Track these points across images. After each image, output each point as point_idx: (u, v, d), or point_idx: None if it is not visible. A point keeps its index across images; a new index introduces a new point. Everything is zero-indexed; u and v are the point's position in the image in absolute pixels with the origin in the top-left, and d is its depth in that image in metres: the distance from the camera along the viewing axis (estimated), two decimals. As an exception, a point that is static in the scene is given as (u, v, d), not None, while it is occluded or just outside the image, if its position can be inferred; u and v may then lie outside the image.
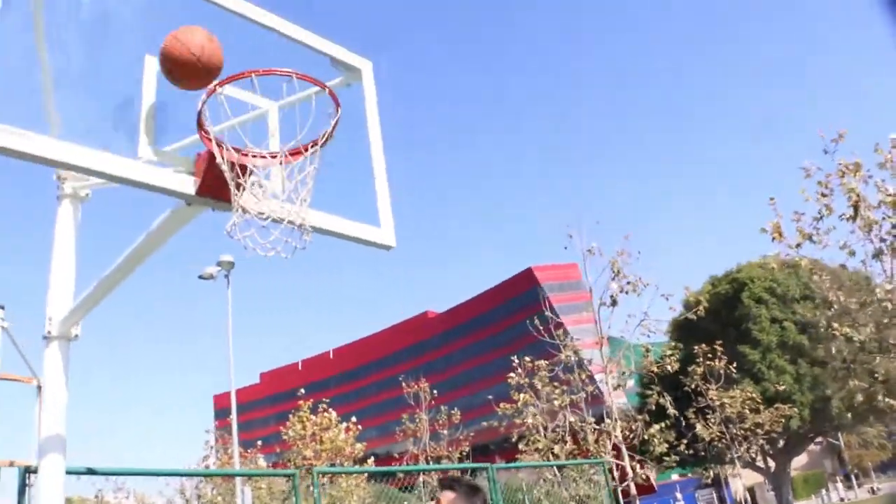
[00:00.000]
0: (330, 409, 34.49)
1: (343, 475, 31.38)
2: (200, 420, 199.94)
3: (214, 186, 3.53)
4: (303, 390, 36.41)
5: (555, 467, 25.64)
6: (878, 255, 16.36)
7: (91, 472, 6.52)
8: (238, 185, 3.43)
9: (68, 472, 5.88)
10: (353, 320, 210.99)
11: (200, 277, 27.66)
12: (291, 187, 3.53)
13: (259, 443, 43.29)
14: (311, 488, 8.18)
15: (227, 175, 3.40)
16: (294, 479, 8.20)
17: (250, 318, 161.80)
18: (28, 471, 6.01)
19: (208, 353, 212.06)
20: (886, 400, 17.60)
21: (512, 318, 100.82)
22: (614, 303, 20.83)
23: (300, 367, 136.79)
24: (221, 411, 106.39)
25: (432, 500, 4.29)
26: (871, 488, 63.99)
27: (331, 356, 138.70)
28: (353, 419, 34.74)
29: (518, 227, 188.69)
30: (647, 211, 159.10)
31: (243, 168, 3.46)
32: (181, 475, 24.78)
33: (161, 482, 47.93)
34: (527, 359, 25.40)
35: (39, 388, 8.01)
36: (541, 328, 23.27)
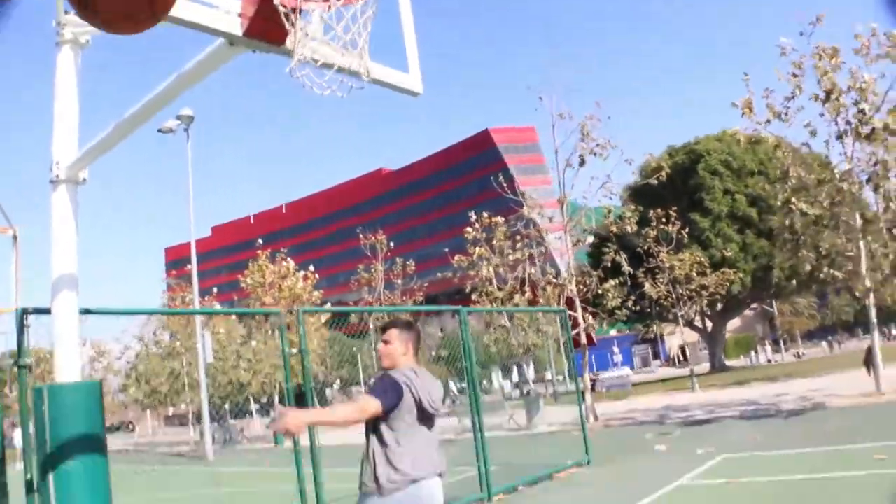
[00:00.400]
0: (288, 259, 34.84)
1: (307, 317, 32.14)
2: (150, 272, 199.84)
3: (264, 28, 3.55)
4: (260, 240, 36.67)
5: (505, 318, 26.62)
6: (841, 136, 16.97)
7: (87, 311, 6.64)
8: (293, 28, 3.44)
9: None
10: (305, 178, 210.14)
11: (160, 131, 26.95)
12: (356, 31, 3.56)
13: (215, 290, 43.66)
14: (298, 327, 8.47)
15: (284, 17, 3.40)
16: (280, 317, 8.53)
17: (201, 173, 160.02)
18: (25, 312, 6.13)
19: (159, 206, 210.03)
20: (830, 271, 18.51)
21: (468, 176, 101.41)
22: (583, 163, 21.11)
23: (252, 221, 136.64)
24: (172, 263, 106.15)
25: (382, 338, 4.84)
26: (797, 353, 67.62)
27: (283, 210, 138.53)
28: (311, 268, 35.17)
29: (476, 91, 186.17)
30: (614, 83, 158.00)
31: (295, 11, 3.46)
32: (178, 314, 24.90)
33: (117, 329, 48.15)
34: (485, 214, 25.85)
35: (15, 237, 7.99)
36: (504, 185, 23.58)
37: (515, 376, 44.39)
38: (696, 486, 9.31)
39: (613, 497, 9.25)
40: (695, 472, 10.13)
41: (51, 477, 4.52)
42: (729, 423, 16.44)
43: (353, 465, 4.21)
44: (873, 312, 17.68)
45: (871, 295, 17.16)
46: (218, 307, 41.73)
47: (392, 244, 40.06)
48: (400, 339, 4.50)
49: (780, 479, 8.83)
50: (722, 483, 9.06)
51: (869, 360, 18.13)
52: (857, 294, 17.78)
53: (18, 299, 7.26)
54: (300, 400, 8.31)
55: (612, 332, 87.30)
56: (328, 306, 35.13)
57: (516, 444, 18.04)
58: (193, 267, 26.93)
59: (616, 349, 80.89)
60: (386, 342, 4.50)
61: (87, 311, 6.76)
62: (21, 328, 6.16)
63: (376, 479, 3.95)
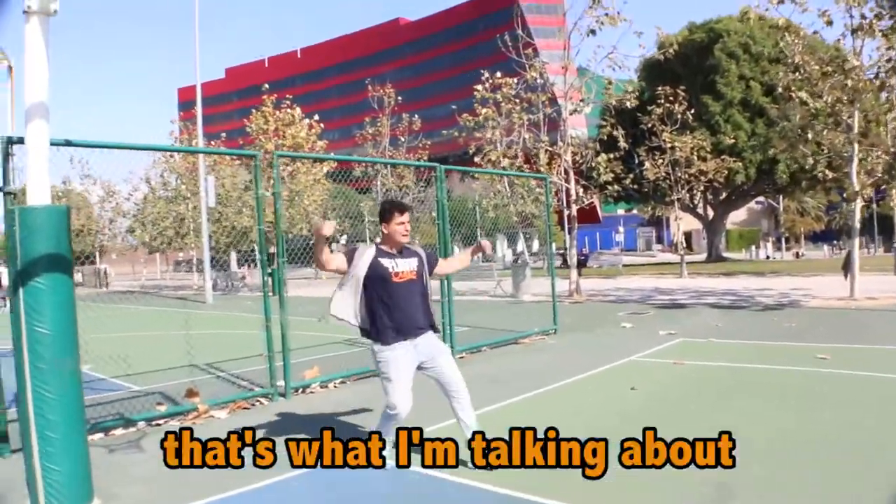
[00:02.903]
0: (294, 105, 34.53)
1: (303, 173, 32.23)
2: (163, 112, 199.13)
3: None
4: (266, 85, 36.23)
5: (506, 185, 26.65)
6: (856, 30, 16.28)
7: (69, 143, 6.71)
8: None
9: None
10: (322, 21, 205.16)
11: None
12: None
13: (223, 135, 43.28)
14: (271, 170, 8.72)
15: None
16: (255, 159, 8.72)
17: (217, 9, 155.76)
18: (10, 141, 6.26)
19: (173, 44, 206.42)
20: (825, 171, 18.29)
21: (486, 33, 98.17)
22: (592, 32, 20.55)
23: (266, 65, 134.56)
24: (185, 104, 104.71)
25: (384, 220, 5.39)
26: (797, 252, 67.61)
27: (298, 55, 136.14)
28: (316, 117, 34.89)
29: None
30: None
31: None
32: (159, 150, 24.67)
33: (125, 171, 47.72)
34: (498, 74, 25.32)
35: (10, 68, 8.01)
36: (510, 45, 23.08)
37: (520, 247, 44.75)
38: (644, 362, 9.81)
39: (565, 363, 9.76)
40: (649, 351, 10.63)
41: (21, 292, 4.86)
42: (701, 310, 16.93)
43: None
44: (857, 217, 17.60)
45: (858, 198, 17.08)
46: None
47: (400, 98, 39.50)
48: None
49: (724, 364, 9.30)
50: (668, 363, 9.53)
51: (847, 266, 18.24)
52: (846, 196, 17.61)
53: (13, 130, 7.35)
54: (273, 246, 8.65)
55: (620, 212, 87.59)
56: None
57: (496, 309, 18.74)
58: (198, 109, 26.75)
59: (621, 228, 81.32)
60: (408, 221, 5.41)
61: (68, 143, 6.89)
62: (6, 156, 6.33)
63: None
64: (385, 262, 5.30)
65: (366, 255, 5.31)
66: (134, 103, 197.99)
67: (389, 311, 5.22)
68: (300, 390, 8.70)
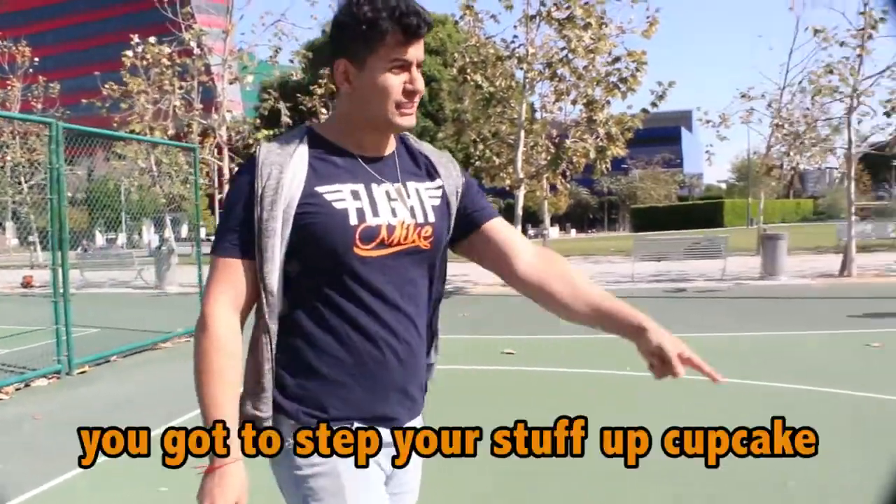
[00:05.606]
0: None
1: None
2: None
3: None
4: None
5: (152, 164, 23.99)
6: (533, 17, 16.42)
7: None
8: None
9: None
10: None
11: None
12: None
13: None
14: None
15: None
16: None
17: None
18: None
19: None
20: (488, 153, 18.12)
21: (148, 2, 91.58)
22: None
23: None
24: None
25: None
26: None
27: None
28: None
29: None
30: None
31: None
32: None
33: None
34: (151, 40, 22.31)
35: None
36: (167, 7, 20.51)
37: (167, 232, 41.62)
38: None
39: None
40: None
41: None
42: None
43: None
44: (520, 205, 17.67)
45: (522, 186, 17.09)
46: None
47: (37, 60, 34.33)
48: None
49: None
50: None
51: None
52: (508, 185, 17.53)
53: None
54: None
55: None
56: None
57: (136, 305, 16.21)
58: None
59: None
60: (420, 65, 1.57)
61: None
62: None
63: None
64: (334, 194, 1.54)
65: (284, 178, 1.50)
66: None
67: (342, 338, 1.55)
68: None
